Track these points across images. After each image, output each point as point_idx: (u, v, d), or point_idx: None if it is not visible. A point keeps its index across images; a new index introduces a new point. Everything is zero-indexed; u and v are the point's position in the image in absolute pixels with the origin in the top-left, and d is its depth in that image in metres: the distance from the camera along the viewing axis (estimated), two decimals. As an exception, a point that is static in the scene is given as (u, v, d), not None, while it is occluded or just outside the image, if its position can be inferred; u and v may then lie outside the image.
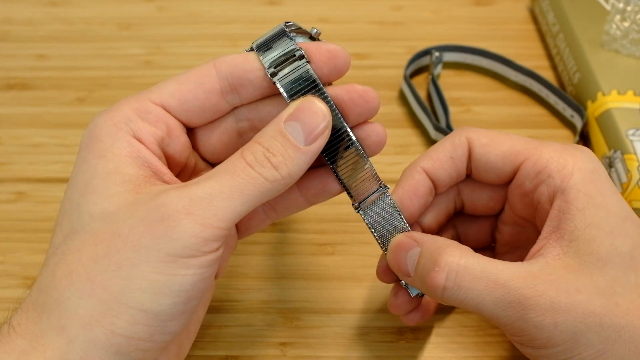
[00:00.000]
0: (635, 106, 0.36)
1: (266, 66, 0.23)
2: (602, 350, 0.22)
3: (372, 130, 0.24)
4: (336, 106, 0.23)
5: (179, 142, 0.24)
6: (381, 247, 0.26)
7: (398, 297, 0.26)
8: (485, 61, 0.42)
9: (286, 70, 0.23)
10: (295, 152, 0.21)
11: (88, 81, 0.42)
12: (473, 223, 0.28)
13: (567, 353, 0.22)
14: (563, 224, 0.23)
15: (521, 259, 0.24)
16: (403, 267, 0.24)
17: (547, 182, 0.24)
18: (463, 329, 0.30)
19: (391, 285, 0.27)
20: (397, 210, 0.25)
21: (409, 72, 0.41)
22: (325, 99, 0.23)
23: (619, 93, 0.37)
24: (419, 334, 0.29)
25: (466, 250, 0.23)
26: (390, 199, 0.25)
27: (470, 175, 0.27)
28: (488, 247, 0.29)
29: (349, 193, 0.25)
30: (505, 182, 0.26)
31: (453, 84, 0.42)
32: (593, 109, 0.37)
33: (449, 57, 0.42)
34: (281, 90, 0.23)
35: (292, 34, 0.23)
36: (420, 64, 0.42)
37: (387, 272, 0.26)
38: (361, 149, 0.24)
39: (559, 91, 0.39)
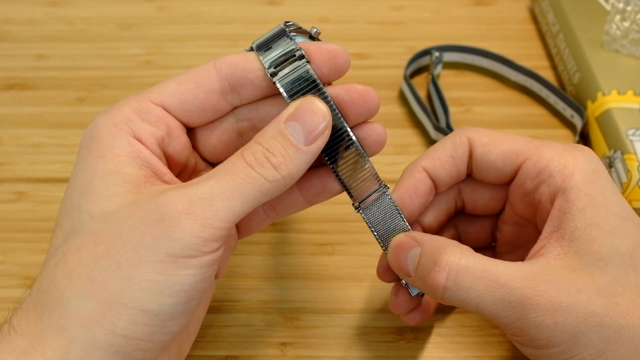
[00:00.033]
0: (635, 106, 0.36)
1: (266, 66, 0.23)
2: (603, 350, 0.22)
3: (372, 130, 0.24)
4: (336, 106, 0.23)
5: (179, 142, 0.24)
6: (381, 246, 0.26)
7: (398, 296, 0.26)
8: (485, 61, 0.42)
9: (286, 70, 0.23)
10: (295, 152, 0.21)
11: (88, 81, 0.42)
12: (474, 222, 0.28)
13: (567, 353, 0.22)
14: (564, 223, 0.23)
15: (522, 258, 0.24)
16: (403, 266, 0.24)
17: (548, 182, 0.24)
18: (463, 329, 0.30)
19: (391, 285, 0.27)
20: (397, 210, 0.25)
21: (409, 72, 0.41)
22: (325, 98, 0.23)
23: (619, 93, 0.37)
24: (419, 334, 0.29)
25: (466, 250, 0.23)
26: (391, 199, 0.25)
27: (470, 175, 0.27)
28: (488, 247, 0.29)
29: (349, 193, 0.25)
30: (506, 182, 0.26)
31: (453, 84, 0.42)
32: (593, 109, 0.37)
33: (449, 57, 0.42)
34: (281, 90, 0.23)
35: (292, 34, 0.23)
36: (420, 64, 0.42)
37: (388, 272, 0.26)
38: (361, 149, 0.24)
39: (559, 91, 0.39)
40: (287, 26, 0.23)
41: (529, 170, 0.24)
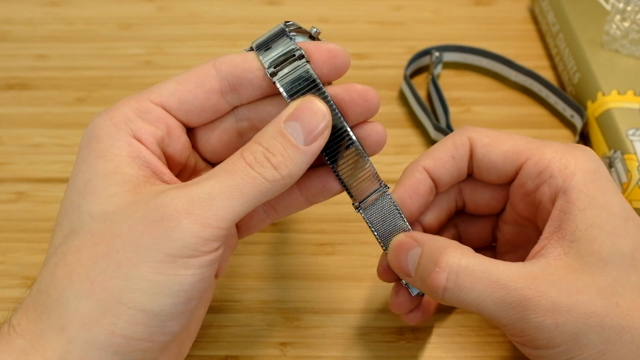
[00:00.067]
0: (635, 106, 0.36)
1: (266, 66, 0.23)
2: (603, 350, 0.21)
3: (372, 130, 0.24)
4: (336, 106, 0.23)
5: (179, 142, 0.24)
6: (382, 246, 0.26)
7: (399, 296, 0.26)
8: (485, 61, 0.42)
9: (286, 70, 0.22)
10: (295, 152, 0.21)
11: (88, 81, 0.42)
12: (474, 222, 0.28)
13: (568, 353, 0.22)
14: (564, 224, 0.23)
15: (522, 258, 0.24)
16: (404, 267, 0.24)
17: (549, 183, 0.24)
18: (463, 329, 0.29)
19: (391, 285, 0.27)
20: (397, 210, 0.25)
21: (409, 72, 0.41)
22: (325, 98, 0.23)
23: (619, 93, 0.37)
24: (419, 334, 0.29)
25: (467, 251, 0.23)
26: (391, 198, 0.25)
27: (471, 175, 0.27)
28: (489, 247, 0.29)
29: (349, 192, 0.25)
30: (507, 182, 0.26)
31: (453, 84, 0.42)
32: (593, 109, 0.37)
33: (449, 57, 0.42)
34: (281, 90, 0.23)
35: (291, 34, 0.23)
36: (420, 64, 0.42)
37: (388, 271, 0.26)
38: (361, 149, 0.24)
39: (559, 91, 0.39)
40: (287, 26, 0.23)
41: (530, 171, 0.24)
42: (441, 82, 0.42)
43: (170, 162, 0.24)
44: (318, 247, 0.33)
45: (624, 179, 0.34)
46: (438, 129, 0.37)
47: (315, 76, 0.22)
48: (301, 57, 0.22)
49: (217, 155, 0.25)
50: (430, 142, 0.38)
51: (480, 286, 0.22)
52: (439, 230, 0.28)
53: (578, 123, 0.38)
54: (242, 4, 0.48)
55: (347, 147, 0.23)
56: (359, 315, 0.30)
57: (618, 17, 0.39)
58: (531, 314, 0.21)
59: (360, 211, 0.25)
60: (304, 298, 0.31)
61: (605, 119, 0.36)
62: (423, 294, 0.26)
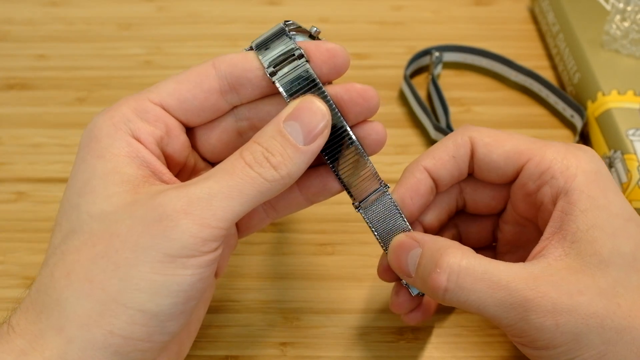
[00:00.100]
0: (635, 106, 0.36)
1: (265, 65, 0.23)
2: (604, 351, 0.21)
3: (372, 129, 0.24)
4: (336, 105, 0.23)
5: (178, 142, 0.23)
6: (382, 246, 0.26)
7: (399, 296, 0.26)
8: (485, 61, 0.42)
9: (285, 70, 0.22)
10: (294, 152, 0.21)
11: (88, 81, 0.42)
12: (474, 222, 0.28)
13: (568, 354, 0.22)
14: (565, 225, 0.23)
15: (522, 258, 0.24)
16: (404, 267, 0.24)
17: (550, 183, 0.24)
18: (463, 329, 0.29)
19: (391, 285, 0.27)
20: (397, 210, 0.25)
21: (409, 72, 0.41)
22: (324, 98, 0.22)
23: (619, 93, 0.37)
24: (419, 334, 0.29)
25: (467, 251, 0.23)
26: (391, 198, 0.25)
27: (472, 174, 0.26)
28: (489, 247, 0.29)
29: (349, 192, 0.25)
30: (508, 182, 0.26)
31: (453, 84, 0.42)
32: (593, 109, 0.37)
33: (449, 57, 0.42)
34: (280, 89, 0.23)
35: (291, 33, 0.23)
36: (420, 64, 0.42)
37: (388, 271, 0.26)
38: (361, 148, 0.23)
39: (559, 91, 0.39)
40: (286, 25, 0.23)
41: (532, 171, 0.24)
42: (441, 82, 0.42)
43: (169, 161, 0.24)
44: (318, 247, 0.33)
45: (624, 179, 0.34)
46: (438, 129, 0.37)
47: (314, 76, 0.22)
48: (301, 56, 0.22)
49: (217, 154, 0.25)
50: (430, 142, 0.38)
51: (480, 287, 0.22)
52: (439, 230, 0.28)
53: (578, 123, 0.38)
54: (242, 4, 0.48)
55: (347, 146, 0.23)
56: (359, 315, 0.30)
57: (618, 17, 0.39)
58: (532, 315, 0.21)
59: (360, 211, 0.25)
60: (304, 298, 0.31)
61: (605, 119, 0.36)
62: (423, 294, 0.26)
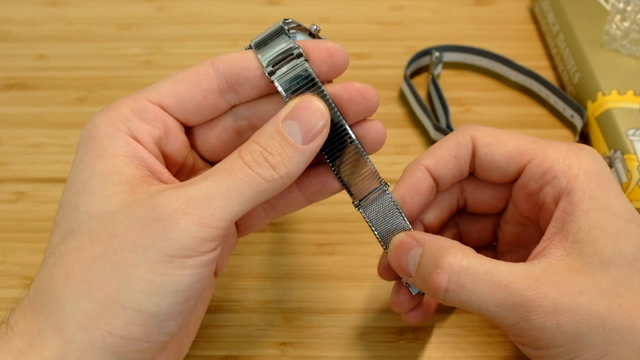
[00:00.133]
0: (636, 106, 0.36)
1: (264, 64, 0.23)
2: (605, 351, 0.21)
3: (372, 128, 0.24)
4: (335, 104, 0.23)
5: (177, 141, 0.23)
6: (382, 245, 0.26)
7: (400, 294, 0.26)
8: (485, 61, 0.42)
9: (284, 69, 0.22)
10: (293, 151, 0.21)
11: (88, 81, 0.42)
12: (475, 221, 0.28)
13: (569, 354, 0.22)
14: (567, 225, 0.23)
15: (523, 258, 0.24)
16: (404, 267, 0.24)
17: (552, 184, 0.24)
18: (463, 330, 0.29)
19: (391, 285, 0.27)
20: (397, 208, 0.25)
21: (409, 72, 0.41)
22: (323, 97, 0.22)
23: (619, 93, 0.37)
24: (419, 334, 0.29)
25: (468, 251, 0.23)
26: (391, 197, 0.25)
27: (473, 173, 0.26)
28: (490, 246, 0.29)
29: (348, 191, 0.24)
30: (510, 182, 0.26)
31: (453, 84, 0.42)
32: (593, 109, 0.37)
33: (449, 57, 0.42)
34: (279, 88, 0.23)
35: (291, 31, 0.23)
36: (421, 64, 0.42)
37: (388, 270, 0.26)
38: (360, 147, 0.23)
39: (559, 91, 0.39)
40: (286, 24, 0.23)
41: (534, 171, 0.24)
42: (441, 82, 0.42)
43: (168, 161, 0.24)
44: (318, 247, 0.33)
45: (624, 179, 0.33)
46: (438, 129, 0.37)
47: (313, 75, 0.22)
48: (299, 55, 0.22)
49: (216, 154, 0.25)
50: (430, 142, 0.38)
51: (481, 287, 0.22)
52: (440, 229, 0.28)
53: (578, 123, 0.38)
54: (242, 4, 0.48)
55: (346, 145, 0.23)
56: (359, 315, 0.30)
57: (618, 17, 0.39)
58: (533, 315, 0.21)
59: (360, 210, 0.25)
60: (304, 298, 0.31)
61: (606, 119, 0.36)
62: (424, 293, 0.26)
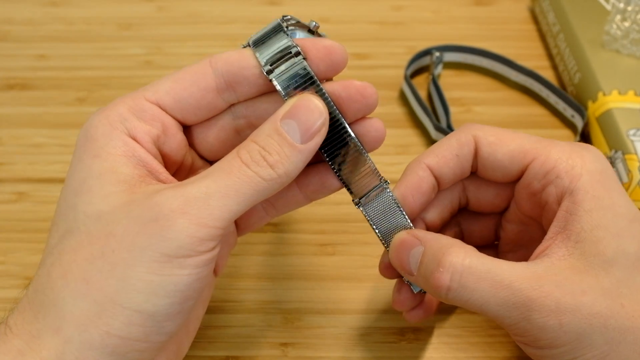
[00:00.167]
0: (636, 106, 0.36)
1: (262, 63, 0.22)
2: (607, 351, 0.21)
3: (371, 126, 0.23)
4: (334, 102, 0.23)
5: (175, 141, 0.23)
6: (383, 243, 0.25)
7: (401, 293, 0.26)
8: (486, 61, 0.42)
9: (282, 67, 0.22)
10: (291, 150, 0.21)
11: (88, 81, 0.42)
12: (477, 220, 0.28)
13: (571, 354, 0.22)
14: (570, 225, 0.23)
15: (525, 257, 0.24)
16: (406, 265, 0.24)
17: (555, 183, 0.23)
18: (464, 330, 0.29)
19: (392, 285, 0.27)
20: (398, 206, 0.25)
21: (409, 72, 0.41)
22: (322, 95, 0.22)
23: (619, 93, 0.37)
24: (420, 334, 0.29)
25: (470, 250, 0.23)
26: (391, 194, 0.25)
27: (475, 172, 0.26)
28: (491, 245, 0.29)
29: (348, 189, 0.24)
30: (512, 181, 0.26)
31: (453, 84, 0.42)
32: (594, 109, 0.37)
33: (449, 57, 0.42)
34: (277, 87, 0.22)
35: (290, 28, 0.23)
36: (421, 64, 0.42)
37: (390, 268, 0.26)
38: (360, 145, 0.23)
39: (560, 91, 0.39)
40: (285, 21, 0.23)
41: (537, 171, 0.24)
42: (442, 82, 0.42)
43: (166, 160, 0.23)
44: (318, 248, 0.33)
45: (625, 179, 0.33)
46: (438, 129, 0.37)
47: (312, 73, 0.22)
48: (298, 54, 0.22)
49: (215, 153, 0.25)
50: (431, 142, 0.38)
51: (483, 286, 0.22)
52: (441, 228, 0.28)
53: (579, 123, 0.38)
54: (242, 4, 0.48)
55: (346, 143, 0.23)
56: (359, 316, 0.30)
57: (618, 17, 0.39)
58: (535, 315, 0.21)
59: (360, 207, 0.25)
60: (305, 298, 0.31)
61: (606, 119, 0.36)
62: (425, 292, 0.26)
